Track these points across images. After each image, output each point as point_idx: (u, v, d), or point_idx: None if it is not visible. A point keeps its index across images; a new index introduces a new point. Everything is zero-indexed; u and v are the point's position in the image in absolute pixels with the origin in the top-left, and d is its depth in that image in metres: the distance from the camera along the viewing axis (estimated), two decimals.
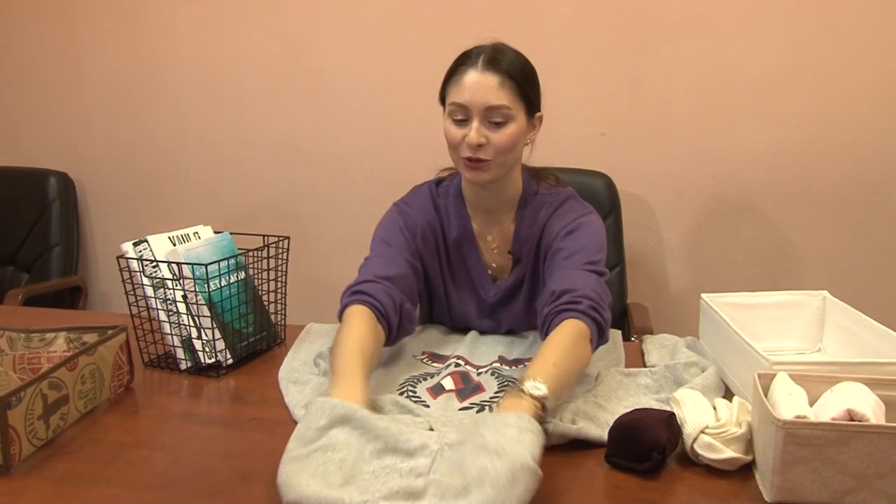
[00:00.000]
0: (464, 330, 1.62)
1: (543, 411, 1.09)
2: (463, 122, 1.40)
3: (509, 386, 1.17)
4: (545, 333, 1.30)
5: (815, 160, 2.28)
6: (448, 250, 1.58)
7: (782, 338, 1.47)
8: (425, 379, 1.36)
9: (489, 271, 1.58)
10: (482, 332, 1.61)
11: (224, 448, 1.15)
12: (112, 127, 2.82)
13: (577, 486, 1.02)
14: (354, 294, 1.37)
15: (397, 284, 1.42)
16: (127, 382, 1.35)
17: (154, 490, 1.02)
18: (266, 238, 1.54)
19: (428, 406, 1.24)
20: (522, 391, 1.10)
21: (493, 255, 1.57)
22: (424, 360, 1.46)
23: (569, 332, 1.25)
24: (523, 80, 1.40)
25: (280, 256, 1.56)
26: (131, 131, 2.80)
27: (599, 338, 1.31)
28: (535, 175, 1.59)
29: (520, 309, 1.58)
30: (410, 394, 1.30)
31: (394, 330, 1.38)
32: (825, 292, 1.48)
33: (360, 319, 1.31)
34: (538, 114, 1.47)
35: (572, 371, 1.22)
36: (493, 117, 1.38)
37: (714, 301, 1.43)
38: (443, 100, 1.46)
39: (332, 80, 2.57)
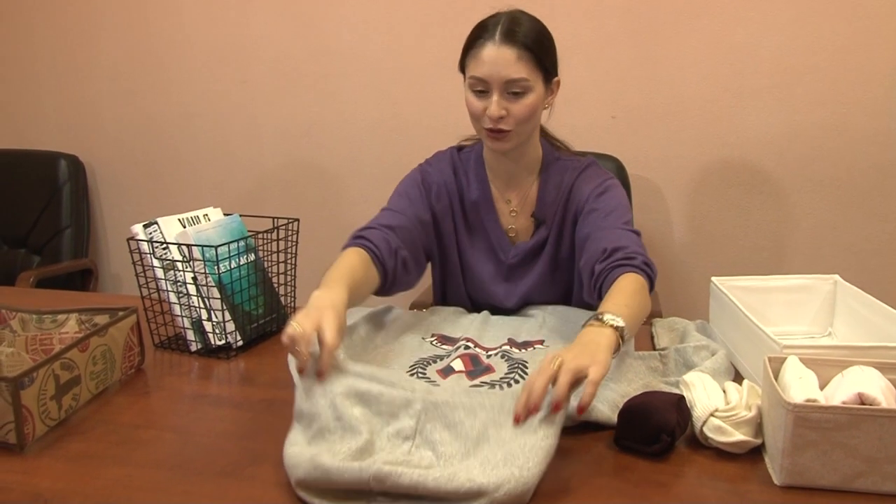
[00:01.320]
0: (473, 311, 1.63)
1: (621, 342, 1.13)
2: (483, 93, 1.46)
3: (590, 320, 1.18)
4: (598, 289, 1.37)
5: (826, 144, 2.27)
6: (465, 212, 1.63)
7: (793, 321, 1.48)
8: (435, 361, 1.37)
9: (508, 234, 1.62)
10: (493, 303, 1.64)
11: (234, 429, 1.16)
12: (121, 110, 2.83)
13: (587, 468, 1.03)
14: (354, 239, 1.45)
15: (398, 234, 1.49)
16: (138, 364, 1.36)
17: (165, 470, 1.03)
18: (276, 220, 1.55)
19: (438, 385, 1.24)
20: (602, 321, 1.14)
21: (512, 219, 1.62)
22: (434, 343, 1.46)
23: (632, 281, 1.31)
24: (540, 51, 1.44)
25: (290, 238, 1.57)
26: (141, 114, 2.81)
27: (650, 291, 1.37)
28: (553, 144, 1.65)
29: (538, 273, 1.61)
30: (421, 375, 1.30)
31: (388, 273, 1.45)
32: (836, 276, 1.48)
33: (352, 256, 1.40)
34: (555, 79, 1.52)
35: (640, 314, 1.27)
36: (513, 89, 1.43)
37: (724, 284, 1.44)
38: (462, 69, 1.51)
39: (341, 63, 2.57)
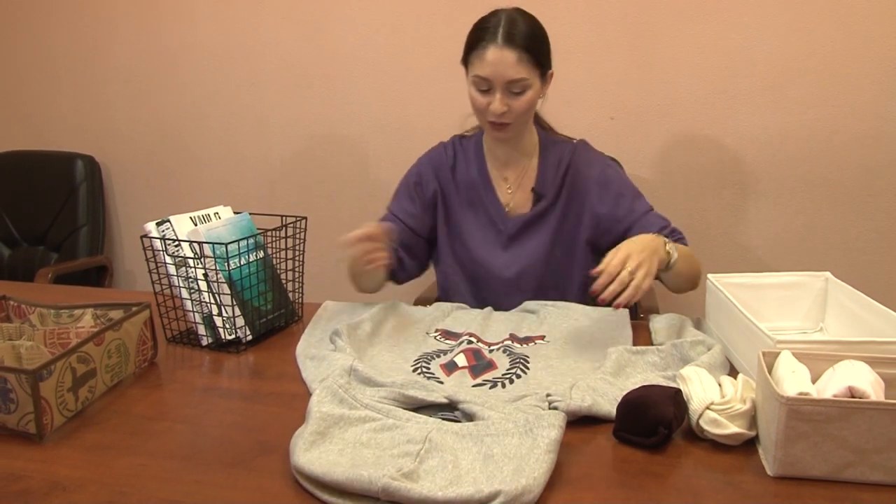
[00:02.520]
0: (473, 287, 1.72)
1: (666, 265, 1.46)
2: (486, 90, 1.57)
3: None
4: None
5: (818, 145, 2.29)
6: (464, 189, 1.76)
7: (786, 317, 1.48)
8: (438, 356, 1.39)
9: (505, 209, 1.74)
10: (492, 273, 1.73)
11: (244, 421, 1.18)
12: (135, 112, 2.86)
13: (587, 460, 1.04)
14: None
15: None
16: (151, 357, 1.38)
17: (177, 460, 1.06)
18: (284, 218, 1.57)
19: (442, 382, 1.27)
20: (665, 240, 1.48)
21: (509, 195, 1.75)
22: (437, 338, 1.49)
23: (686, 248, 1.60)
24: (537, 50, 1.56)
25: (297, 236, 1.58)
26: (154, 116, 2.84)
27: None
28: (543, 127, 1.80)
29: (537, 244, 1.72)
30: (424, 370, 1.32)
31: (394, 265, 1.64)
32: (828, 273, 1.48)
33: None
34: (549, 71, 1.63)
35: (688, 262, 1.56)
36: (513, 88, 1.56)
37: (720, 281, 1.45)
38: (465, 64, 1.61)
39: (347, 65, 2.59)
